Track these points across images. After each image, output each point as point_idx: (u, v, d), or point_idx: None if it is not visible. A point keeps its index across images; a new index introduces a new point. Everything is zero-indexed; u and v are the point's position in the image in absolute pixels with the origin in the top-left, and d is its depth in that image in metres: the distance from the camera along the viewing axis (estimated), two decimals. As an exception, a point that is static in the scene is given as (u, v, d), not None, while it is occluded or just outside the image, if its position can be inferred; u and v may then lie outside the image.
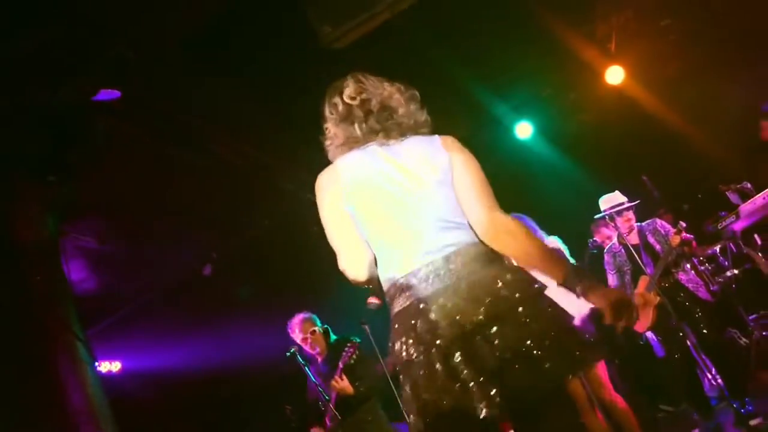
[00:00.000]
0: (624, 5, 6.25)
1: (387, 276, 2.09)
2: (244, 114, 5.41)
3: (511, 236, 2.04)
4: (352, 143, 2.18)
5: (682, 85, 7.13)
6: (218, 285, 7.37)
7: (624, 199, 5.40)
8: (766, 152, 5.99)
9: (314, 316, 5.31)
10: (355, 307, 6.93)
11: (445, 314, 1.91)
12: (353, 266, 2.18)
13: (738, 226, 5.46)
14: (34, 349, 4.52)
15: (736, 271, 6.42)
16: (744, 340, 6.34)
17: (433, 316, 1.92)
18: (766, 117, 5.87)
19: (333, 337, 5.31)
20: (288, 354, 5.04)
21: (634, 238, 5.36)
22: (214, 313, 7.35)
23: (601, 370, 4.74)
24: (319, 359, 5.21)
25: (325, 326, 5.32)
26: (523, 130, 7.52)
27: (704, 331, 5.06)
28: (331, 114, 2.23)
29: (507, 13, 5.59)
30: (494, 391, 1.79)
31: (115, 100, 4.38)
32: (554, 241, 4.85)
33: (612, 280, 5.51)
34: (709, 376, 5.40)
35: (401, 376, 1.99)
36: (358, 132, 2.16)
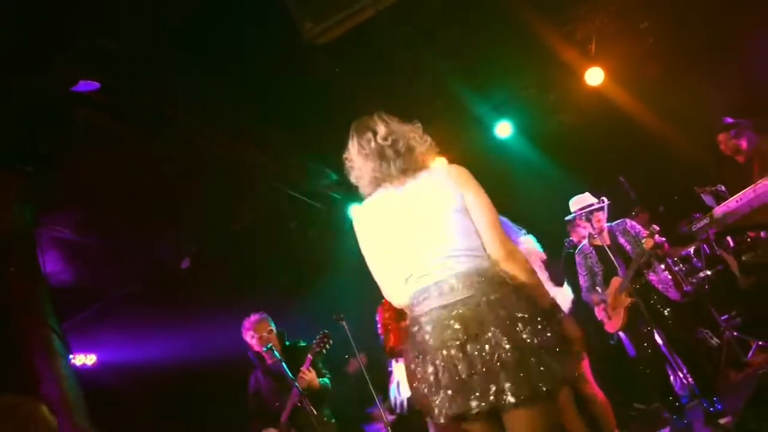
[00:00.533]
0: (604, 7, 6.30)
1: (408, 292, 2.49)
2: (227, 108, 5.38)
3: (523, 268, 2.46)
4: (382, 179, 2.56)
5: (661, 87, 7.21)
6: (196, 279, 7.34)
7: (594, 200, 5.43)
8: (730, 162, 6.10)
9: (269, 317, 5.28)
10: (332, 302, 6.95)
11: (441, 326, 2.29)
12: (393, 296, 2.59)
13: (711, 228, 5.53)
14: (7, 341, 4.48)
15: (709, 272, 6.53)
16: (715, 340, 6.45)
17: (429, 327, 2.32)
18: (722, 130, 5.98)
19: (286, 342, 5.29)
20: (265, 349, 5.02)
21: (605, 239, 5.41)
22: (192, 306, 7.32)
23: (584, 365, 4.81)
24: (270, 361, 5.09)
25: (280, 330, 5.30)
26: (503, 129, 7.56)
27: (674, 331, 5.13)
28: (363, 149, 2.58)
29: (489, 13, 5.62)
30: (473, 392, 2.18)
31: (94, 91, 4.34)
32: (529, 240, 4.89)
33: (583, 281, 5.55)
34: (681, 376, 5.49)
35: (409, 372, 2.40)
36: (390, 170, 2.53)
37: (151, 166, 5.57)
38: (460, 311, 2.28)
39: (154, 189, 5.87)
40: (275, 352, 4.95)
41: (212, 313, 7.08)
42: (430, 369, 2.27)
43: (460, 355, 2.21)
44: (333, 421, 5.13)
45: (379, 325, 5.13)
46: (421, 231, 2.45)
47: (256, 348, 5.15)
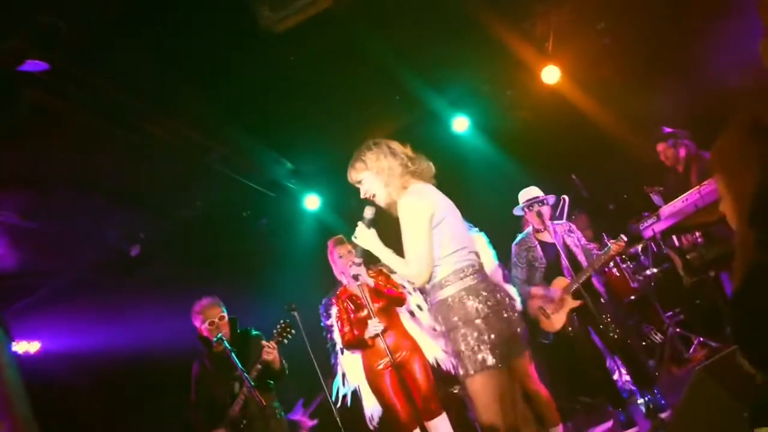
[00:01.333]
0: (562, 6, 6.36)
1: (454, 267, 3.10)
2: (179, 92, 5.27)
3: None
4: (416, 173, 3.28)
5: (615, 87, 7.32)
6: (146, 266, 7.22)
7: (540, 193, 5.48)
8: (669, 169, 6.25)
9: (221, 302, 5.14)
10: (285, 292, 6.89)
11: (482, 297, 3.06)
12: (426, 275, 3.09)
13: (659, 227, 5.67)
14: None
15: (655, 270, 6.70)
16: (659, 336, 6.63)
17: (473, 296, 3.05)
18: (661, 140, 6.13)
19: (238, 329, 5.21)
20: (215, 339, 4.95)
21: (549, 236, 5.44)
22: (141, 295, 7.19)
23: (526, 361, 4.87)
24: (218, 348, 4.98)
25: (233, 316, 5.21)
26: (460, 124, 7.60)
27: (610, 334, 5.22)
28: (391, 150, 3.29)
29: (448, 8, 5.63)
30: (515, 343, 3.18)
31: (42, 71, 4.21)
32: (480, 238, 4.94)
33: (520, 273, 5.55)
34: (623, 371, 5.63)
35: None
36: (418, 167, 3.30)
37: (101, 150, 5.44)
38: (488, 289, 3.07)
39: (103, 173, 5.74)
40: (225, 342, 4.86)
41: (162, 301, 6.97)
42: (483, 326, 2.97)
43: (502, 318, 3.04)
44: (282, 415, 5.09)
45: (333, 318, 5.12)
46: (458, 224, 3.22)
47: (205, 334, 5.06)
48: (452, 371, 3.30)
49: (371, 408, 5.10)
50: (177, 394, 6.79)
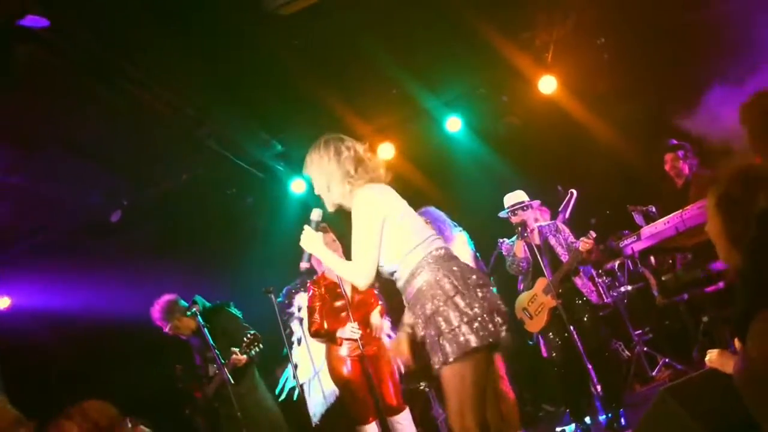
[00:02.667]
0: (565, 19, 6.40)
1: (423, 254, 2.91)
2: (174, 62, 5.24)
3: None
4: (370, 181, 3.04)
5: (611, 103, 7.35)
6: (126, 233, 7.18)
7: (525, 197, 5.51)
8: (666, 183, 6.32)
9: (177, 300, 5.23)
10: (261, 273, 6.87)
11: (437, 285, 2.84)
12: (370, 277, 2.93)
13: (637, 246, 5.73)
14: None
15: (629, 288, 6.78)
16: (626, 353, 6.72)
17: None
18: (670, 150, 6.19)
19: (207, 304, 5.26)
20: (189, 314, 4.98)
21: (534, 238, 5.48)
22: (119, 260, 7.16)
23: (499, 362, 4.93)
24: (193, 327, 5.14)
25: (194, 298, 5.22)
26: (453, 124, 7.61)
27: (590, 338, 5.25)
28: (356, 147, 3.11)
29: (451, 12, 5.64)
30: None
31: (42, 28, 4.17)
32: (462, 235, 4.96)
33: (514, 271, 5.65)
34: (591, 383, 5.68)
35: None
36: (379, 175, 3.11)
37: (92, 113, 5.40)
38: (460, 267, 2.89)
39: (90, 136, 5.70)
40: (199, 317, 4.92)
41: (139, 269, 6.95)
42: (462, 302, 2.75)
43: (479, 297, 2.79)
44: (260, 395, 5.13)
45: (304, 305, 5.12)
46: (418, 219, 3.08)
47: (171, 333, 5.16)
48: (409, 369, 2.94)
49: (316, 404, 5.13)
50: (145, 360, 6.79)
